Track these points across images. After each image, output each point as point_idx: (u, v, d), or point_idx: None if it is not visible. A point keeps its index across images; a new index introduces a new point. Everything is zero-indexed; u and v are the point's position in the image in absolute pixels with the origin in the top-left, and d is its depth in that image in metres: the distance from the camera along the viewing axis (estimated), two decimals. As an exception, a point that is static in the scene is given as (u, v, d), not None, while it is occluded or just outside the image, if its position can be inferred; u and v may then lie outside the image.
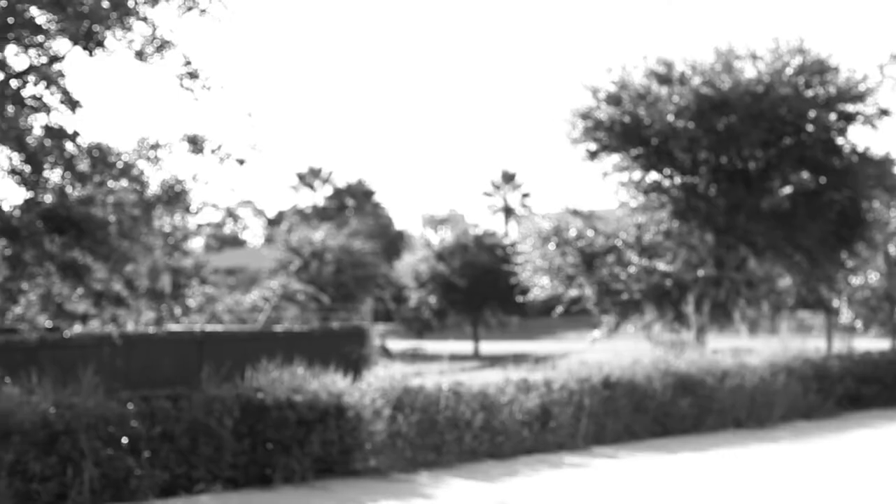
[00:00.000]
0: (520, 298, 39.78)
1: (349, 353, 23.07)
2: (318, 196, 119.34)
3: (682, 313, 32.16)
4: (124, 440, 15.56)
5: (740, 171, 31.41)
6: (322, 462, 17.56)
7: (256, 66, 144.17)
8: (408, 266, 73.80)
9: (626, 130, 31.04)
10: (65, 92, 19.17)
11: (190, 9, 19.49)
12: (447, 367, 28.80)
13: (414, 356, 49.82)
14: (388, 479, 17.62)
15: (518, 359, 30.96)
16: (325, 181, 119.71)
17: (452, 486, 17.03)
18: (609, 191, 33.05)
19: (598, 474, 18.23)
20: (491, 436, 19.76)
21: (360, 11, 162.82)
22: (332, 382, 18.43)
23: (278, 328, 33.31)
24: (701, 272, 31.42)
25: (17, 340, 22.57)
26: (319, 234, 70.44)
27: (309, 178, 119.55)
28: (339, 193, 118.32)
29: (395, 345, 60.98)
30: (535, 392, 20.81)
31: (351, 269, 67.74)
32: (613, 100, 31.33)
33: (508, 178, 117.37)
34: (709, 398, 23.67)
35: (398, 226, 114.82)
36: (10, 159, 19.10)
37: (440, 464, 18.76)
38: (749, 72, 30.96)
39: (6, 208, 19.35)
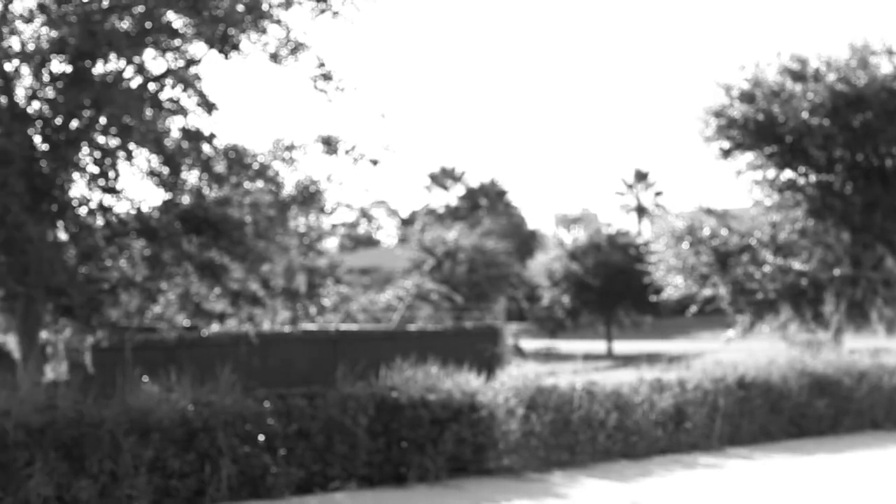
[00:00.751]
0: (653, 298, 39.51)
1: (482, 353, 23.11)
2: (451, 196, 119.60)
3: (819, 313, 31.68)
4: (261, 438, 15.75)
5: (877, 168, 30.87)
6: (455, 461, 17.61)
7: (389, 66, 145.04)
8: (541, 265, 73.61)
9: (759, 128, 30.67)
10: (201, 95, 19.41)
11: (323, 11, 19.64)
12: (580, 367, 28.75)
13: (547, 355, 49.70)
14: (522, 479, 17.61)
15: (651, 358, 30.71)
16: (458, 181, 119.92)
17: (586, 486, 16.97)
18: (743, 189, 32.70)
19: (733, 475, 18.04)
20: (625, 435, 19.66)
21: (493, 11, 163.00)
22: (466, 381, 18.47)
23: (412, 327, 33.49)
24: (837, 271, 30.94)
25: (157, 339, 22.96)
26: (452, 234, 70.57)
27: (442, 177, 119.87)
28: (471, 193, 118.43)
29: (528, 344, 60.88)
30: (668, 392, 20.66)
31: (484, 268, 67.75)
32: (747, 97, 30.98)
33: (641, 176, 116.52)
34: (846, 399, 23.29)
35: (531, 225, 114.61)
36: (149, 161, 19.41)
37: (573, 463, 18.71)
38: (885, 67, 30.40)
39: (145, 209, 19.66)
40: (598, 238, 71.51)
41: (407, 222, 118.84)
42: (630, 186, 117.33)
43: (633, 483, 17.17)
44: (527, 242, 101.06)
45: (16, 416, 14.29)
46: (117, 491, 14.54)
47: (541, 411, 18.68)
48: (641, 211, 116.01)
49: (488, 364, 22.15)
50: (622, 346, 65.95)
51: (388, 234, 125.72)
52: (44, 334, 19.99)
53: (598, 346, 66.84)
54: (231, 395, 16.21)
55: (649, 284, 37.30)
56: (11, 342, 20.34)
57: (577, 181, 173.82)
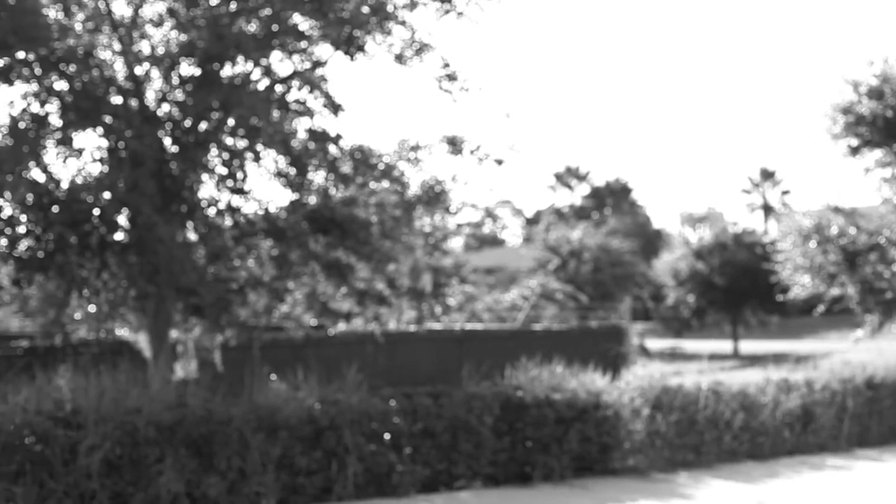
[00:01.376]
0: (780, 297, 39.00)
1: (607, 352, 23.03)
2: (576, 195, 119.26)
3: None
4: (387, 436, 15.85)
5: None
6: (580, 460, 17.58)
7: (514, 65, 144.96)
8: (666, 264, 73.03)
9: (888, 125, 30.13)
10: (327, 96, 19.57)
11: (447, 11, 19.70)
12: (706, 367, 28.48)
13: (672, 355, 49.32)
14: (647, 479, 17.53)
15: (778, 358, 30.33)
16: (583, 180, 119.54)
17: (712, 487, 16.84)
18: (871, 187, 32.15)
19: (861, 477, 17.78)
20: (751, 436, 19.47)
21: (616, 9, 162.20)
22: (591, 381, 18.43)
23: (537, 327, 33.46)
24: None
25: (284, 338, 23.22)
26: (577, 233, 70.37)
27: (566, 177, 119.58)
28: (596, 192, 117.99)
29: (654, 344, 60.49)
30: (795, 392, 20.42)
31: (609, 267, 67.45)
32: (875, 94, 30.45)
33: (767, 174, 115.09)
34: (980, 399, 22.81)
35: (656, 224, 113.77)
36: (276, 162, 19.62)
37: (699, 464, 18.58)
38: None
39: (273, 210, 19.87)
40: (723, 237, 70.71)
41: (532, 222, 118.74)
42: (756, 185, 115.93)
43: (759, 484, 17.01)
44: (652, 241, 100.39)
45: (147, 413, 14.54)
46: (245, 488, 14.73)
47: (666, 411, 18.57)
48: (768, 209, 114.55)
49: (613, 363, 22.08)
50: (748, 346, 65.19)
51: (512, 233, 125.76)
52: (174, 333, 20.30)
53: (724, 345, 66.12)
54: (357, 393, 16.33)
55: (776, 284, 36.82)
56: (142, 341, 20.68)
57: (702, 180, 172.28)
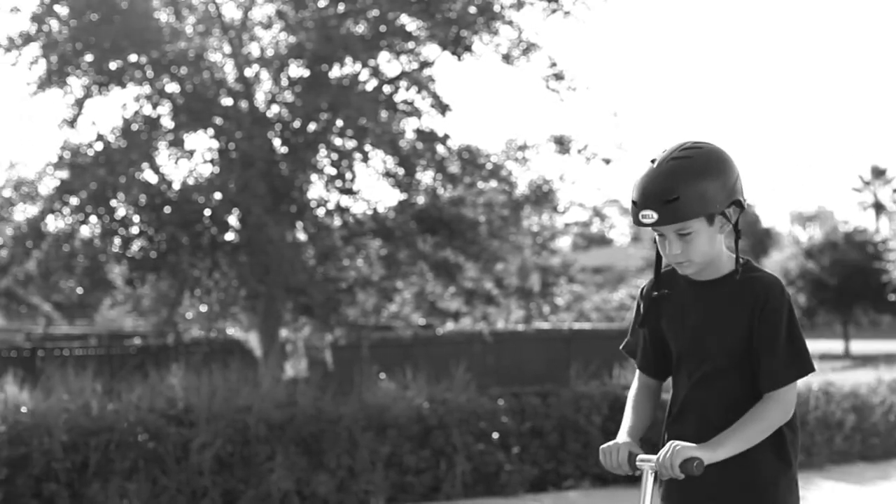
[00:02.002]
0: (892, 296, 38.47)
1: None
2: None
3: None
4: (495, 435, 15.85)
5: None
6: (689, 460, 17.47)
7: (619, 63, 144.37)
8: (776, 264, 72.21)
9: None
10: (435, 96, 19.63)
11: (554, 11, 19.68)
12: (817, 367, 28.14)
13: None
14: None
15: (890, 359, 29.89)
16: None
17: (822, 488, 16.64)
18: None
19: (980, 480, 17.48)
20: (862, 437, 19.19)
21: (724, 6, 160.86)
22: (698, 380, 18.32)
23: (645, 326, 33.25)
24: None
25: (393, 337, 23.34)
26: (685, 232, 69.86)
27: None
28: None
29: (764, 343, 59.79)
30: (908, 393, 20.10)
31: (717, 265, 66.91)
32: None
33: (878, 172, 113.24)
34: None
35: (765, 223, 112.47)
36: (385, 162, 19.73)
37: (809, 465, 18.35)
38: None
39: (381, 210, 19.99)
40: (834, 236, 69.81)
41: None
42: (867, 183, 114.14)
43: (871, 486, 16.76)
44: (762, 241, 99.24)
45: (257, 411, 14.68)
46: (354, 486, 14.82)
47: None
48: (879, 208, 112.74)
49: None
50: (859, 346, 64.30)
51: (620, 232, 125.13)
52: (284, 332, 20.49)
53: (835, 345, 65.29)
54: (466, 392, 16.35)
55: (887, 283, 36.35)
56: (253, 340, 20.91)
57: (812, 178, 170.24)
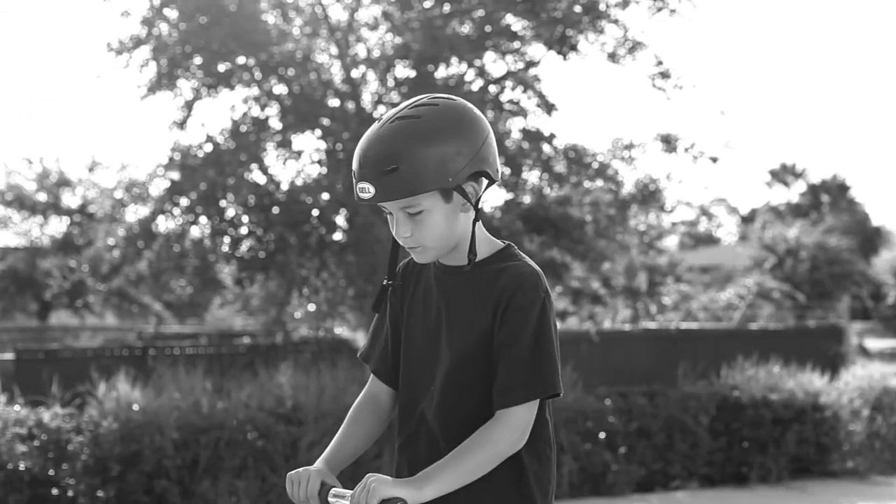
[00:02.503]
0: None
1: (825, 352, 22.55)
2: (792, 192, 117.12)
3: None
4: (601, 435, 15.84)
5: None
6: (798, 462, 17.31)
7: (727, 62, 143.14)
8: (886, 262, 71.20)
9: None
10: (540, 95, 19.63)
11: (660, 9, 19.57)
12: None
13: (893, 355, 48.08)
14: (866, 482, 17.16)
15: None
16: (799, 177, 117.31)
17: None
18: None
19: None
20: None
21: (831, 2, 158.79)
22: (809, 381, 18.13)
23: (753, 326, 32.99)
24: None
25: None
26: (793, 231, 69.09)
27: (782, 174, 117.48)
28: (813, 189, 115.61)
29: (873, 344, 58.96)
30: None
31: (826, 266, 66.04)
32: None
33: None
34: None
35: (875, 221, 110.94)
36: (491, 162, 19.75)
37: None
38: None
39: (488, 209, 20.02)
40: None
41: (747, 220, 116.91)
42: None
43: None
44: (871, 239, 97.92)
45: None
46: (462, 485, 14.85)
47: (887, 413, 18.14)
48: None
49: (832, 364, 21.65)
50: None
51: (728, 231, 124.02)
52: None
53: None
54: (572, 392, 16.36)
55: None
56: (360, 339, 21.03)
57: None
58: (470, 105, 3.71)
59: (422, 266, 3.92)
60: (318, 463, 3.90)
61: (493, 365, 3.64)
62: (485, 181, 3.81)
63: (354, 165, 3.62)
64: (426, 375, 3.78)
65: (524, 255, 3.81)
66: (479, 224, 3.83)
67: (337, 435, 4.01)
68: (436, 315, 3.79)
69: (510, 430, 3.55)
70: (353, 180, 3.62)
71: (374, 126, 3.64)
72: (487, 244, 3.88)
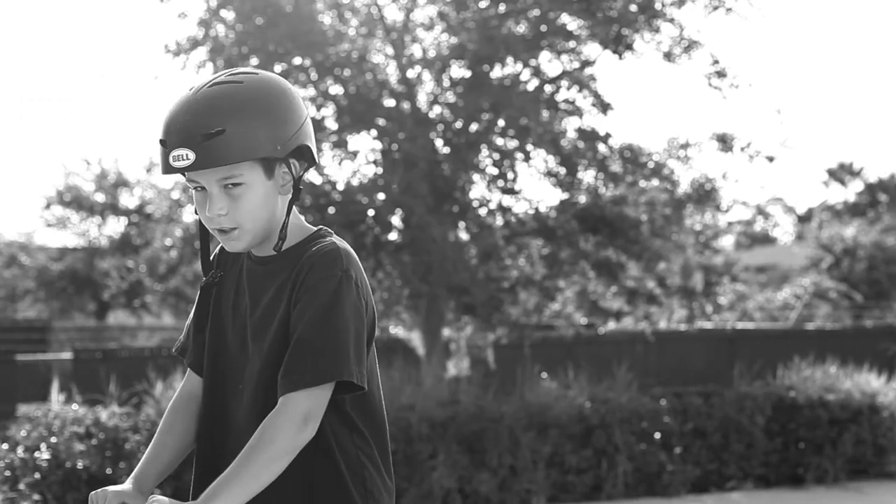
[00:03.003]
0: None
1: (883, 352, 22.42)
2: (849, 191, 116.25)
3: None
4: (656, 435, 15.82)
5: None
6: (854, 463, 17.22)
7: (783, 60, 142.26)
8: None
9: None
10: (596, 95, 19.63)
11: (716, 8, 19.51)
12: None
13: (953, 356, 47.64)
14: (924, 484, 17.05)
15: None
16: (856, 176, 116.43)
17: None
18: None
19: None
20: None
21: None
22: (866, 382, 18.03)
23: (809, 326, 32.82)
24: None
25: (555, 337, 23.37)
26: (851, 231, 68.64)
27: (839, 173, 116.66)
28: (870, 188, 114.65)
29: (933, 344, 58.54)
30: None
31: (884, 265, 65.52)
32: None
33: None
34: None
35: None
36: (546, 162, 19.76)
37: None
38: None
39: (543, 209, 20.03)
40: None
41: (804, 219, 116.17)
42: None
43: None
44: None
45: (420, 410, 14.84)
46: (516, 485, 14.89)
47: (945, 414, 18.02)
48: None
49: (889, 364, 21.53)
50: None
51: (784, 231, 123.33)
52: (446, 331, 20.65)
53: None
54: (627, 392, 16.35)
55: None
56: (416, 339, 21.10)
57: None
58: (286, 81, 3.41)
59: (236, 255, 3.56)
60: (127, 481, 3.43)
61: None
62: (304, 163, 3.45)
63: (163, 134, 3.23)
64: (235, 375, 3.41)
65: (335, 237, 3.47)
66: (295, 209, 3.47)
67: (149, 447, 3.56)
68: (244, 309, 3.44)
69: (288, 419, 3.11)
70: (162, 152, 3.24)
71: (184, 94, 3.29)
72: (299, 230, 3.49)
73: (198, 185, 3.32)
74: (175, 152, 3.19)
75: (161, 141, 3.22)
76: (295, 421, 3.11)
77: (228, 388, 3.43)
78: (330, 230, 3.50)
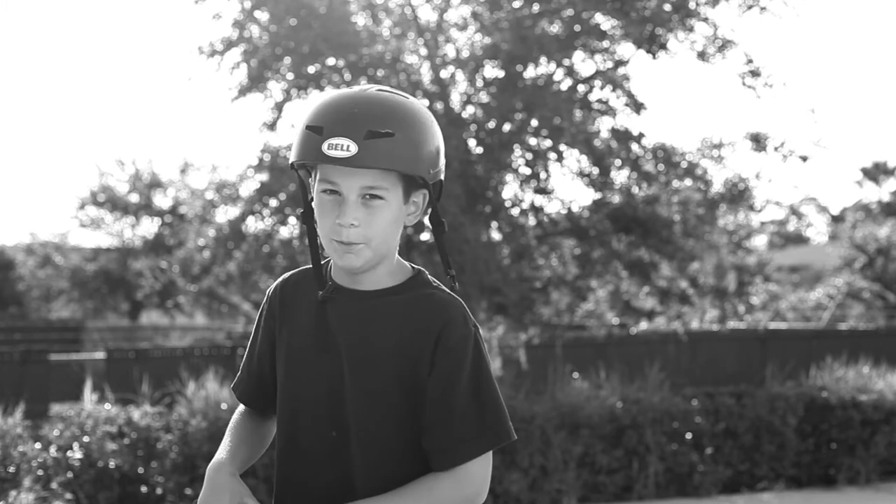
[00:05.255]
0: None
1: (918, 353, 22.30)
2: (884, 191, 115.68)
3: None
4: (688, 436, 15.81)
5: None
6: (886, 464, 17.17)
7: (818, 59, 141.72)
8: None
9: None
10: (629, 95, 19.63)
11: (750, 7, 19.48)
12: None
13: None
14: (957, 485, 16.99)
15: None
16: (891, 175, 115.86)
17: None
18: None
19: None
20: None
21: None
22: (899, 382, 17.98)
23: (842, 326, 32.70)
24: None
25: (586, 337, 23.38)
26: (885, 230, 68.31)
27: (873, 172, 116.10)
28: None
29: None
30: None
31: (919, 265, 65.27)
32: None
33: None
34: None
35: None
36: (579, 162, 19.78)
37: None
38: None
39: (576, 209, 20.04)
40: None
41: (837, 219, 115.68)
42: None
43: None
44: None
45: (452, 409, 14.88)
46: (546, 485, 14.91)
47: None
48: None
49: (924, 365, 21.45)
50: None
51: (817, 230, 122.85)
52: (479, 331, 20.68)
53: None
54: (659, 392, 16.34)
55: None
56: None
57: None
58: None
59: (304, 289, 3.29)
60: (224, 469, 3.20)
61: (423, 415, 3.09)
62: (432, 194, 3.18)
63: (320, 119, 3.02)
64: (322, 420, 3.17)
65: (439, 282, 3.29)
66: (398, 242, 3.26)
67: (227, 441, 3.38)
68: (336, 348, 3.16)
69: (461, 488, 3.03)
70: (309, 136, 3.02)
71: (342, 91, 3.12)
72: (400, 269, 3.27)
73: (330, 189, 3.08)
74: (334, 140, 2.97)
75: (314, 127, 3.00)
76: (470, 491, 3.04)
77: (309, 440, 3.19)
78: (425, 270, 3.33)
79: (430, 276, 3.28)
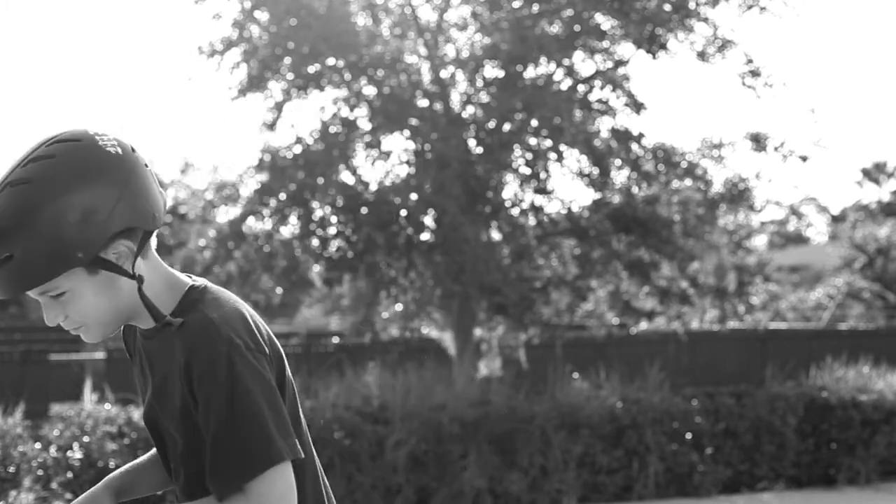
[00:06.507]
0: None
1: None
2: (884, 191, 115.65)
3: None
4: (688, 436, 15.82)
5: None
6: (887, 464, 17.17)
7: (818, 59, 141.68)
8: None
9: None
10: (629, 95, 19.63)
11: (750, 7, 19.48)
12: None
13: None
14: (958, 484, 16.99)
15: None
16: (891, 176, 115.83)
17: None
18: None
19: None
20: None
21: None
22: (899, 382, 17.99)
23: (842, 326, 32.70)
24: None
25: (586, 337, 23.37)
26: (885, 231, 68.31)
27: (873, 172, 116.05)
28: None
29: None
30: None
31: (919, 265, 65.26)
32: None
33: None
34: None
35: None
36: (579, 162, 19.77)
37: None
38: None
39: (575, 209, 20.03)
40: None
41: (837, 219, 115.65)
42: None
43: None
44: None
45: (451, 409, 14.89)
46: (546, 485, 14.92)
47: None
48: None
49: (924, 365, 21.45)
50: None
51: (817, 231, 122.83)
52: (478, 331, 20.68)
53: None
54: (659, 392, 16.35)
55: None
56: (447, 339, 21.12)
57: None
58: (101, 143, 2.80)
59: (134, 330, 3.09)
60: (102, 483, 3.18)
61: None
62: (135, 239, 2.82)
63: None
64: (168, 453, 3.04)
65: (213, 295, 2.95)
66: (157, 272, 2.94)
67: (136, 461, 3.31)
68: (151, 387, 3.00)
69: None
70: None
71: None
72: (168, 293, 2.94)
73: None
74: None
75: None
76: None
77: (168, 468, 3.07)
78: (199, 282, 2.99)
79: (202, 292, 2.93)
